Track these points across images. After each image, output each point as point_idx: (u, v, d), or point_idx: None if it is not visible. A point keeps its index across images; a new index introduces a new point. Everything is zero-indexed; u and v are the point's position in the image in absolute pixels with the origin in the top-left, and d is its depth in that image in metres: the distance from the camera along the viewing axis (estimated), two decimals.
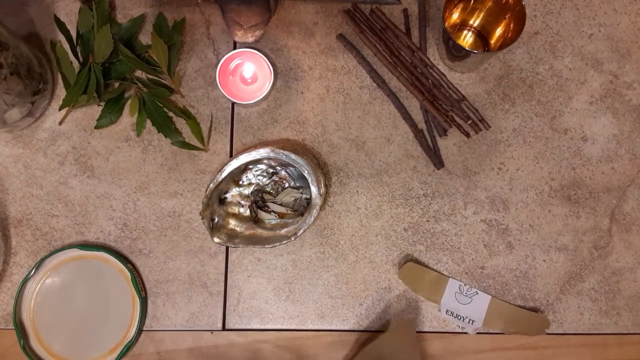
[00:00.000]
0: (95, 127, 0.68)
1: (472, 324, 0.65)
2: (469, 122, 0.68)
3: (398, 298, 0.67)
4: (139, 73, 0.69)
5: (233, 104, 0.70)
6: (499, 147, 0.69)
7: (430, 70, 0.69)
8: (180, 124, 0.69)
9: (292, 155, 0.63)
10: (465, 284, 0.67)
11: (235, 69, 0.67)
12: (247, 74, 0.67)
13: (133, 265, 0.67)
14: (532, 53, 0.70)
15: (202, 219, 0.63)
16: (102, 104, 0.68)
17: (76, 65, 0.68)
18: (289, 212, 0.67)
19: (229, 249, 0.68)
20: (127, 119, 0.69)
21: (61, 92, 0.70)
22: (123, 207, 0.68)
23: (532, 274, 0.67)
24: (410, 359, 0.62)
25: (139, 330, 0.65)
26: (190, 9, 0.71)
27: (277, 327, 0.67)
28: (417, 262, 0.67)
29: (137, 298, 0.65)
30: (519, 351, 0.67)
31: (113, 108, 0.68)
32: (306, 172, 0.63)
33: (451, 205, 0.68)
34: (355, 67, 0.70)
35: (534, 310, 0.67)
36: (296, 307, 0.67)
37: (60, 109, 0.67)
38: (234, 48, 0.70)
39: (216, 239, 0.64)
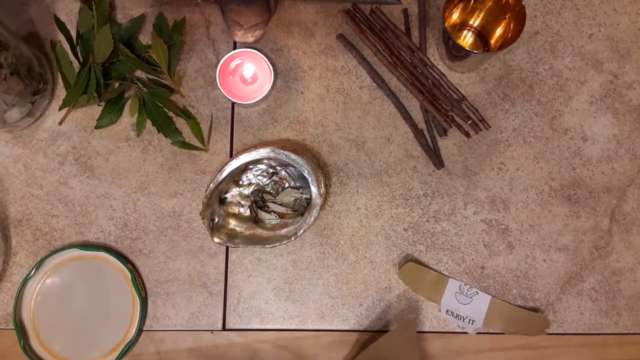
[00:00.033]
0: (95, 127, 0.68)
1: (472, 324, 0.65)
2: (469, 122, 0.68)
3: (398, 298, 0.67)
4: (139, 73, 0.69)
5: (233, 104, 0.70)
6: (499, 147, 0.69)
7: (430, 70, 0.69)
8: (180, 124, 0.69)
9: (292, 155, 0.63)
10: (465, 284, 0.67)
11: (235, 69, 0.67)
12: (247, 74, 0.67)
13: (133, 265, 0.67)
14: (532, 53, 0.70)
15: (202, 219, 0.63)
16: (102, 104, 0.68)
17: (76, 65, 0.68)
18: (289, 212, 0.67)
19: (229, 249, 0.68)
20: (127, 119, 0.69)
21: (61, 92, 0.70)
22: (123, 207, 0.68)
23: (532, 274, 0.67)
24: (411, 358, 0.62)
25: (139, 330, 0.65)
26: (190, 9, 0.71)
27: (277, 327, 0.67)
28: (417, 262, 0.67)
29: (137, 298, 0.65)
30: (519, 351, 0.67)
31: (113, 108, 0.68)
32: (306, 172, 0.63)
33: (451, 205, 0.68)
34: (355, 67, 0.70)
35: (534, 310, 0.67)
36: (296, 307, 0.67)
37: (60, 109, 0.67)
38: (234, 48, 0.70)
39: (216, 239, 0.64)
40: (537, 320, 0.66)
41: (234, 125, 0.70)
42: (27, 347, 0.64)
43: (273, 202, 0.68)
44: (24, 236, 0.68)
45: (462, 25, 0.69)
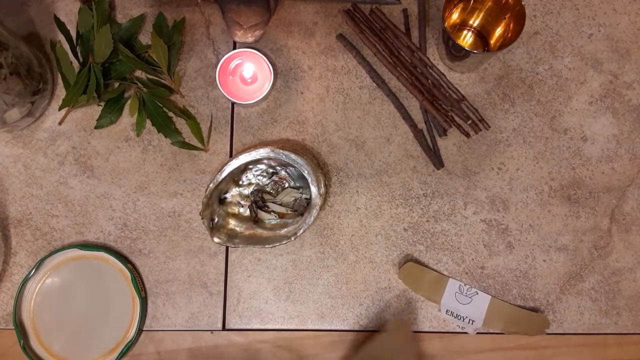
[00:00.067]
0: (95, 127, 0.68)
1: (472, 324, 0.65)
2: (469, 122, 0.68)
3: (398, 298, 0.67)
4: (138, 73, 0.69)
5: (233, 104, 0.70)
6: (499, 147, 0.69)
7: (430, 70, 0.69)
8: (180, 124, 0.69)
9: (292, 155, 0.63)
10: (465, 284, 0.67)
11: (235, 69, 0.67)
12: (247, 74, 0.67)
13: (133, 265, 0.67)
14: (531, 53, 0.70)
15: (202, 219, 0.63)
16: (102, 104, 0.68)
17: (76, 65, 0.68)
18: (289, 212, 0.67)
19: (229, 249, 0.68)
20: (127, 119, 0.69)
21: (61, 92, 0.70)
22: (123, 207, 0.68)
23: (532, 274, 0.67)
24: (407, 358, 0.62)
25: (139, 330, 0.65)
26: (190, 9, 0.71)
27: (277, 327, 0.67)
28: (417, 262, 0.67)
29: (137, 298, 0.65)
30: (519, 351, 0.67)
31: (113, 108, 0.68)
32: (306, 172, 0.63)
33: (451, 205, 0.68)
34: (355, 67, 0.70)
35: (534, 310, 0.67)
36: (296, 307, 0.67)
37: (60, 109, 0.67)
38: (234, 48, 0.70)
39: (216, 239, 0.64)
40: (536, 320, 0.66)
41: (234, 125, 0.70)
42: (27, 347, 0.64)
43: (273, 202, 0.68)
44: (24, 236, 0.68)
45: (462, 25, 0.69)
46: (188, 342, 0.67)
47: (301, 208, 0.67)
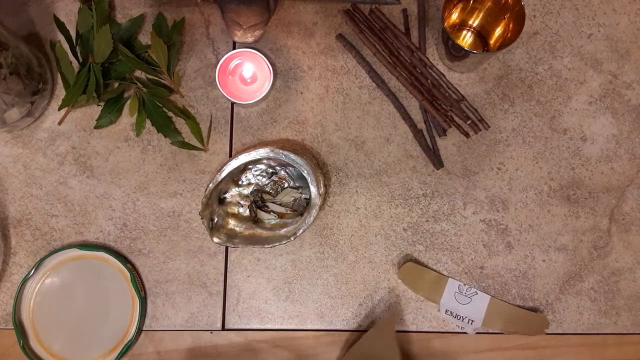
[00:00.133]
0: (95, 127, 0.68)
1: (471, 323, 0.65)
2: (468, 122, 0.68)
3: (398, 298, 0.67)
4: (138, 73, 0.69)
5: (232, 104, 0.70)
6: (498, 147, 0.69)
7: (430, 70, 0.69)
8: (180, 124, 0.69)
9: (292, 155, 0.63)
10: (464, 284, 0.67)
11: (235, 69, 0.67)
12: (247, 74, 0.67)
13: (132, 265, 0.67)
14: (531, 53, 0.70)
15: (202, 219, 0.63)
16: (102, 104, 0.68)
17: (76, 65, 0.68)
18: (289, 212, 0.67)
19: (229, 249, 0.68)
20: (127, 119, 0.69)
21: (61, 92, 0.70)
22: (122, 207, 0.68)
23: (532, 274, 0.67)
24: (391, 356, 0.62)
25: (139, 330, 0.65)
26: (190, 9, 0.71)
27: (277, 327, 0.67)
28: (417, 262, 0.67)
29: (137, 298, 0.65)
30: (518, 351, 0.67)
31: (112, 108, 0.68)
32: (305, 172, 0.63)
33: (450, 205, 0.68)
34: (355, 67, 0.70)
35: (534, 310, 0.67)
36: (295, 307, 0.67)
37: (59, 109, 0.67)
38: (234, 48, 0.70)
39: (216, 239, 0.64)
40: (536, 320, 0.66)
41: (234, 125, 0.70)
42: (26, 347, 0.64)
43: (272, 202, 0.68)
44: (24, 236, 0.68)
45: (462, 25, 0.69)
46: (188, 342, 0.67)
47: (301, 208, 0.67)
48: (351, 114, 0.69)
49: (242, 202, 0.67)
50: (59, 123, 0.69)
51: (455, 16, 0.68)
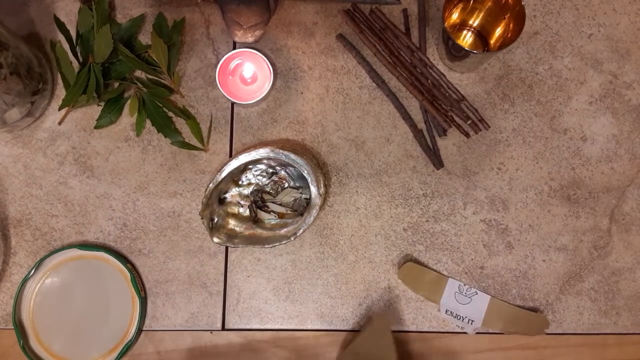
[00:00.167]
0: (95, 127, 0.68)
1: (471, 323, 0.65)
2: (469, 122, 0.68)
3: (398, 298, 0.67)
4: (138, 73, 0.69)
5: (233, 104, 0.70)
6: (499, 147, 0.69)
7: (430, 70, 0.69)
8: (180, 124, 0.69)
9: (292, 155, 0.63)
10: (464, 284, 0.67)
11: (235, 69, 0.67)
12: (247, 74, 0.67)
13: (133, 265, 0.67)
14: (531, 53, 0.70)
15: (202, 219, 0.63)
16: (102, 104, 0.68)
17: (76, 65, 0.68)
18: (289, 212, 0.67)
19: (229, 249, 0.68)
20: (127, 119, 0.69)
21: (61, 92, 0.70)
22: (123, 207, 0.68)
23: (532, 274, 0.67)
24: (387, 355, 0.62)
25: (139, 330, 0.65)
26: (190, 9, 0.71)
27: (277, 327, 0.67)
28: (417, 262, 0.67)
29: (137, 298, 0.65)
30: (518, 351, 0.67)
31: (113, 108, 0.68)
32: (306, 172, 0.63)
33: (451, 205, 0.68)
34: (355, 67, 0.70)
35: (534, 310, 0.67)
36: (296, 307, 0.67)
37: (60, 109, 0.67)
38: (234, 48, 0.70)
39: (216, 239, 0.64)
40: (536, 320, 0.66)
41: (234, 125, 0.70)
42: (26, 347, 0.64)
43: (272, 202, 0.68)
44: (24, 236, 0.68)
45: (462, 25, 0.69)
46: (188, 342, 0.67)
47: (301, 208, 0.67)
48: (351, 114, 0.69)
49: (242, 202, 0.67)
50: (59, 123, 0.69)
51: (455, 16, 0.68)
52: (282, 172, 0.67)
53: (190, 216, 0.68)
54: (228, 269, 0.68)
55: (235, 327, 0.67)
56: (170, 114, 0.68)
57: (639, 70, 0.70)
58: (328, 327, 0.67)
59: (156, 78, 0.69)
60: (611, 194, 0.69)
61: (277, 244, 0.63)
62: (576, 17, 0.71)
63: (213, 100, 0.70)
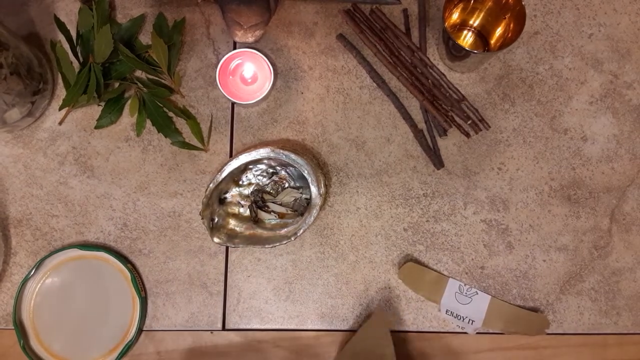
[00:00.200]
0: (95, 127, 0.68)
1: (472, 324, 0.65)
2: (469, 122, 0.68)
3: (398, 298, 0.67)
4: (139, 73, 0.69)
5: (233, 104, 0.70)
6: (499, 147, 0.69)
7: (430, 70, 0.69)
8: (180, 124, 0.69)
9: (292, 155, 0.63)
10: (465, 284, 0.67)
11: (235, 69, 0.67)
12: (247, 74, 0.67)
13: (133, 265, 0.67)
14: (532, 53, 0.70)
15: (202, 219, 0.63)
16: (102, 104, 0.68)
17: (76, 65, 0.68)
18: (289, 212, 0.67)
19: (229, 249, 0.68)
20: (127, 119, 0.69)
21: (61, 92, 0.70)
22: (123, 207, 0.68)
23: (532, 274, 0.67)
24: (384, 350, 0.62)
25: (139, 330, 0.65)
26: (190, 9, 0.71)
27: (277, 327, 0.67)
28: (417, 262, 0.67)
29: (137, 298, 0.65)
30: (518, 351, 0.67)
31: (113, 108, 0.68)
32: (306, 172, 0.63)
33: (451, 205, 0.68)
34: (355, 67, 0.70)
35: (534, 310, 0.67)
36: (296, 307, 0.67)
37: (60, 109, 0.67)
38: (234, 48, 0.70)
39: (216, 239, 0.64)
40: (536, 320, 0.66)
41: (234, 125, 0.70)
42: (26, 347, 0.64)
43: (273, 202, 0.68)
44: (24, 236, 0.68)
45: (462, 25, 0.69)
46: (188, 342, 0.67)
47: (301, 208, 0.67)
48: (352, 114, 0.69)
49: (242, 202, 0.67)
50: (60, 123, 0.69)
51: (455, 16, 0.68)
52: (283, 172, 0.67)
53: (191, 216, 0.68)
54: (228, 269, 0.68)
55: (236, 327, 0.67)
56: (171, 114, 0.68)
57: (639, 70, 0.70)
58: (328, 327, 0.67)
59: (156, 78, 0.69)
60: (612, 194, 0.69)
61: (278, 244, 0.63)
62: (577, 17, 0.71)
63: (213, 100, 0.70)
